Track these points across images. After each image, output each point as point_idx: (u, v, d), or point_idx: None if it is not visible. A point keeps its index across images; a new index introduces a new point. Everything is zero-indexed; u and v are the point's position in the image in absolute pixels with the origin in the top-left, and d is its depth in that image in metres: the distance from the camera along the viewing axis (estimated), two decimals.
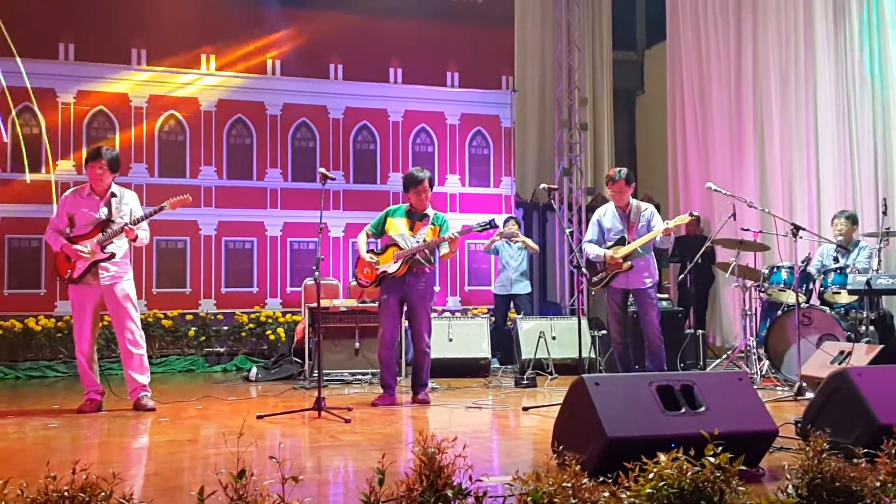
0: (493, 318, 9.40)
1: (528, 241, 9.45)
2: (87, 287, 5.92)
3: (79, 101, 9.65)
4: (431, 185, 6.52)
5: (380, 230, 6.55)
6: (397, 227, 6.44)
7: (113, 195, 5.99)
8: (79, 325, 5.98)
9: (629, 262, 6.54)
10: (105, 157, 5.94)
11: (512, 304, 9.51)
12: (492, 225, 6.35)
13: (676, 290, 9.81)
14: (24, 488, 2.29)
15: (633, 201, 6.78)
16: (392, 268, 6.32)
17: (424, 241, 6.32)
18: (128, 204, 6.04)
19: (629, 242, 6.59)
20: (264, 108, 10.32)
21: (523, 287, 9.37)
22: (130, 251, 6.29)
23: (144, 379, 6.02)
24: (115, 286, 5.95)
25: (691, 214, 6.75)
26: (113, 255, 5.92)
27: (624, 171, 6.79)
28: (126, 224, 5.89)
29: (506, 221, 9.29)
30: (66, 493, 2.25)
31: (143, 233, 6.06)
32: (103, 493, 2.29)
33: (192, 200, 6.22)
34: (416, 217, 6.46)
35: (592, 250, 6.72)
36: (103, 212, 5.93)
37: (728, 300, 10.00)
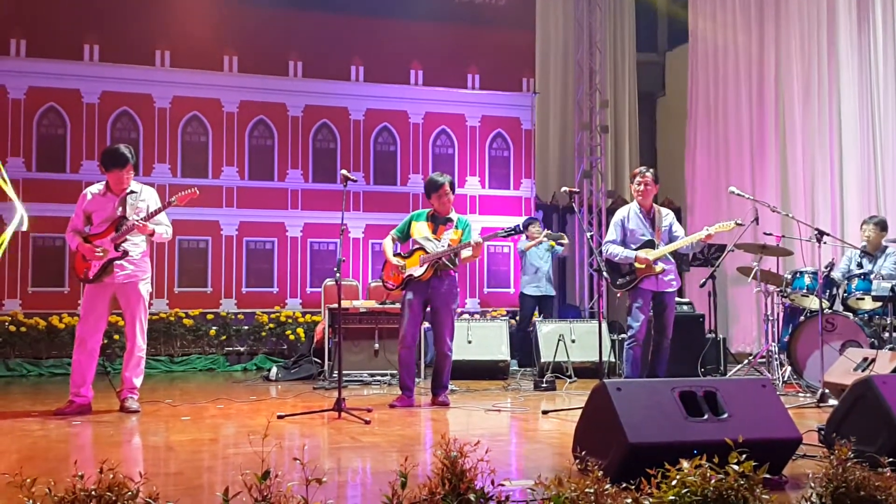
0: (518, 319, 9.45)
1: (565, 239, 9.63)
2: (102, 286, 5.87)
3: (103, 101, 9.74)
4: (453, 189, 6.53)
5: (405, 234, 6.56)
6: (421, 231, 6.45)
7: (132, 192, 5.96)
8: (94, 323, 5.88)
9: (661, 266, 6.48)
10: (131, 162, 5.92)
11: (538, 305, 9.52)
12: (517, 230, 6.35)
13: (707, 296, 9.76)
14: (51, 486, 2.31)
15: (654, 205, 6.74)
16: (418, 271, 6.32)
17: (450, 245, 6.33)
18: (145, 200, 5.99)
19: (658, 245, 6.53)
20: (286, 109, 10.37)
21: (551, 289, 9.45)
22: (153, 250, 6.27)
23: (138, 382, 5.99)
24: (131, 285, 5.91)
25: (737, 223, 6.55)
26: (126, 253, 5.84)
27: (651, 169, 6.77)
28: (137, 221, 5.83)
29: (529, 223, 9.34)
30: (93, 493, 2.27)
31: (162, 228, 6.00)
32: (130, 493, 2.31)
33: (199, 195, 6.08)
34: (439, 221, 6.47)
35: (619, 251, 6.52)
36: (119, 209, 5.90)
37: (740, 304, 9.99)
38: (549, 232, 9.55)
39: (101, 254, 5.80)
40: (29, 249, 9.38)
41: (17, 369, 8.77)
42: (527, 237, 9.31)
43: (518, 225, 6.41)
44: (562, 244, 9.45)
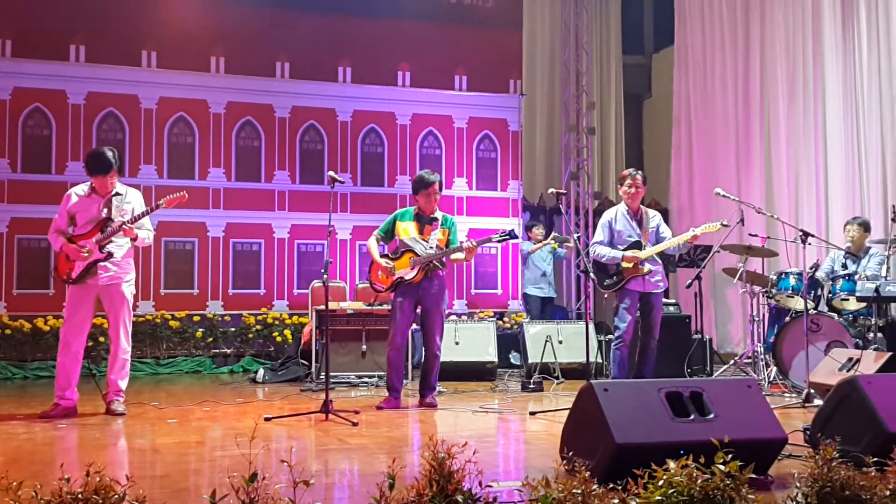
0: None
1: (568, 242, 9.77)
2: (86, 287, 5.83)
3: (88, 102, 9.69)
4: (441, 189, 6.55)
5: (389, 234, 6.55)
6: (408, 231, 6.44)
7: (117, 194, 5.92)
8: (78, 325, 5.85)
9: (648, 266, 6.50)
10: (115, 167, 5.87)
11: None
12: (512, 236, 6.36)
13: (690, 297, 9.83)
14: (38, 490, 2.30)
15: (641, 206, 6.77)
16: (409, 274, 6.32)
17: (439, 247, 6.33)
18: (130, 203, 5.95)
19: (645, 247, 6.55)
20: (273, 110, 10.34)
21: (553, 291, 9.61)
22: (138, 252, 6.23)
23: (123, 384, 5.96)
24: (114, 287, 5.87)
25: (723, 224, 6.57)
26: (111, 255, 5.81)
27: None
28: (124, 223, 5.79)
29: (532, 225, 9.61)
30: (79, 496, 2.26)
31: (145, 232, 5.96)
32: (116, 496, 2.30)
33: (188, 198, 6.06)
34: (424, 220, 6.47)
35: (606, 252, 6.57)
36: (104, 211, 5.87)
37: (726, 305, 10.05)
38: (557, 234, 9.66)
39: (87, 254, 5.77)
40: (14, 251, 9.31)
41: (1, 372, 8.71)
42: (531, 239, 9.47)
43: (513, 230, 6.45)
44: (566, 247, 9.55)
